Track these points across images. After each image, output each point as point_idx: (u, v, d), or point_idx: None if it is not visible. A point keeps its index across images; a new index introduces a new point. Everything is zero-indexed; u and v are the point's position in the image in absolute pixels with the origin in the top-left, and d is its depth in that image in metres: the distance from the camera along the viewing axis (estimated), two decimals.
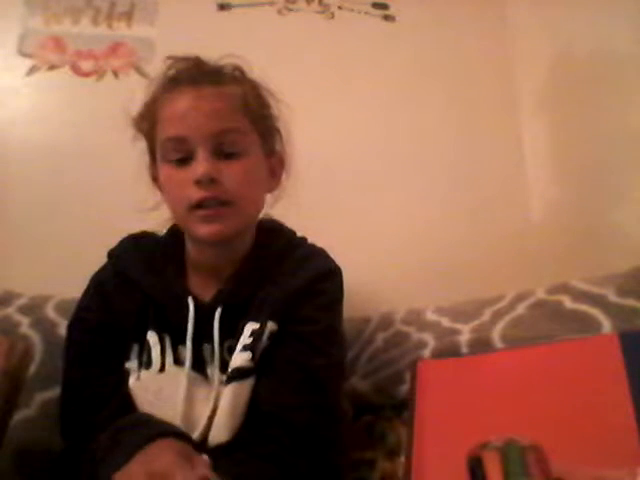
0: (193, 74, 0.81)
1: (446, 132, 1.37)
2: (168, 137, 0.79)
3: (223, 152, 0.78)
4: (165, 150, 0.80)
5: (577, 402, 0.61)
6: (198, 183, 0.76)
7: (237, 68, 0.85)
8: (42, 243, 1.20)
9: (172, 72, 0.83)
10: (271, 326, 0.78)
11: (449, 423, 0.64)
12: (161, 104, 0.81)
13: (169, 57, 0.84)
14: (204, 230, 0.78)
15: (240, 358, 0.76)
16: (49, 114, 1.29)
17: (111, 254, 0.88)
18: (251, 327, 0.78)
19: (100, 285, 0.85)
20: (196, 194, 0.77)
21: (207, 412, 0.74)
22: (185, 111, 0.78)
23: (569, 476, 0.50)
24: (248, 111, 0.81)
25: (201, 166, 0.76)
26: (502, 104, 1.41)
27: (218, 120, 0.78)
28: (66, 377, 0.82)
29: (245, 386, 0.75)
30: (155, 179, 0.86)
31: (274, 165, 0.87)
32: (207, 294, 0.82)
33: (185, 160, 0.78)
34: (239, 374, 0.75)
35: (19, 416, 0.85)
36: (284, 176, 0.89)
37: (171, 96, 0.80)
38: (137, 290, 0.82)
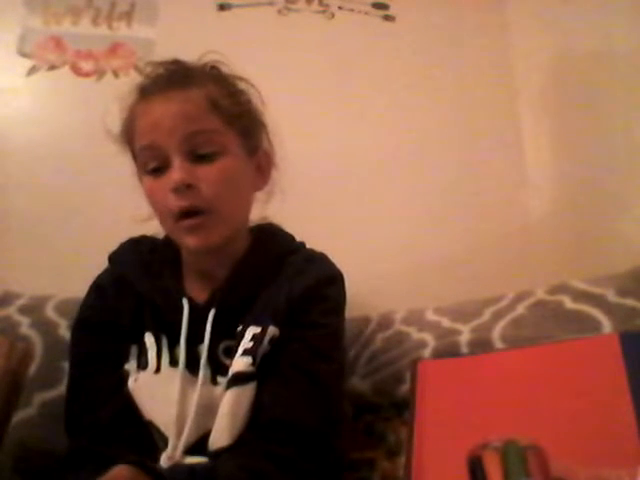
0: (162, 81, 0.81)
1: (446, 132, 1.37)
2: (142, 146, 0.79)
3: (198, 155, 0.77)
4: (142, 160, 0.80)
5: (577, 402, 0.61)
6: (175, 191, 0.76)
7: (213, 67, 0.85)
8: (42, 243, 1.20)
9: (144, 82, 0.83)
10: (272, 331, 0.78)
11: (449, 423, 0.64)
12: (135, 115, 0.81)
13: (149, 63, 0.85)
14: (191, 241, 0.78)
15: (241, 363, 0.76)
16: (49, 114, 1.29)
17: (111, 258, 0.89)
18: (252, 331, 0.78)
19: (100, 287, 0.86)
20: (175, 202, 0.76)
21: (192, 412, 0.75)
22: (155, 119, 0.78)
23: (569, 476, 0.50)
24: (220, 110, 0.79)
25: (175, 173, 0.76)
26: (502, 104, 1.41)
27: (187, 123, 0.77)
28: (70, 376, 0.83)
29: (246, 391, 0.75)
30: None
31: (260, 162, 0.86)
32: (202, 296, 0.82)
33: (162, 169, 0.78)
34: (240, 379, 0.75)
35: (19, 416, 0.85)
36: (273, 171, 0.88)
37: (143, 107, 0.80)
38: (134, 292, 0.83)
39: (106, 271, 0.88)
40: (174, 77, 0.81)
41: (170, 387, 0.77)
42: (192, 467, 0.69)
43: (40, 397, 0.91)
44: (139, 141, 0.80)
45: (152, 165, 0.79)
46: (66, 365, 0.89)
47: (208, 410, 0.75)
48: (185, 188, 0.76)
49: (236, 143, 0.81)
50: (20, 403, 0.82)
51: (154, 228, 0.86)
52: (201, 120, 0.78)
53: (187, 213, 0.76)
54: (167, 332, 0.80)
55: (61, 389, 0.90)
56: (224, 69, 0.85)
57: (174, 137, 0.76)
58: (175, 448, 0.74)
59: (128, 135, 0.83)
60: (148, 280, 0.83)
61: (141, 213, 0.84)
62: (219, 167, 0.78)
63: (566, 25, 1.27)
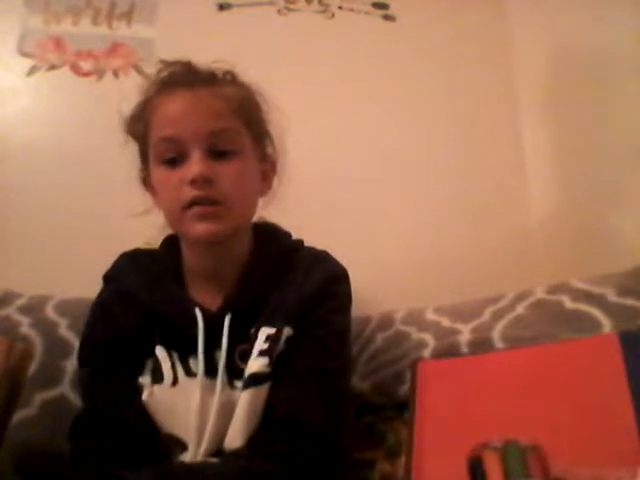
0: (187, 76, 0.81)
1: (446, 132, 1.37)
2: (162, 137, 0.79)
3: (217, 152, 0.78)
4: (159, 150, 0.80)
5: (577, 402, 0.61)
6: (193, 183, 0.76)
7: (228, 72, 0.85)
8: (42, 243, 1.20)
9: (166, 75, 0.83)
10: (287, 331, 0.78)
11: (449, 423, 0.64)
12: (155, 106, 0.80)
13: (161, 61, 0.84)
14: (199, 228, 0.77)
15: (257, 364, 0.75)
16: (49, 114, 1.29)
17: (108, 276, 0.87)
18: (266, 332, 0.77)
19: (104, 306, 0.84)
20: (190, 193, 0.76)
21: (212, 417, 0.74)
22: (181, 112, 0.78)
23: (569, 476, 0.50)
24: (243, 113, 0.81)
25: (196, 166, 0.76)
26: (502, 104, 1.41)
27: (214, 120, 0.78)
28: (82, 395, 0.83)
29: (262, 391, 0.75)
30: (145, 183, 0.86)
31: (266, 169, 0.87)
32: (211, 301, 0.81)
33: (177, 161, 0.78)
34: (256, 380, 0.75)
35: (19, 416, 0.84)
36: (275, 181, 0.89)
37: (166, 98, 0.80)
38: (140, 307, 0.82)
39: (106, 289, 0.86)
40: (201, 74, 0.82)
41: (189, 398, 0.76)
42: (178, 470, 0.69)
43: (40, 397, 0.91)
44: (159, 132, 0.79)
45: (168, 156, 0.78)
46: (66, 365, 0.90)
47: (227, 414, 0.75)
48: (204, 181, 0.76)
49: (250, 147, 0.82)
50: (20, 403, 0.82)
51: (150, 222, 0.86)
52: (226, 119, 0.79)
53: (200, 202, 0.76)
54: (179, 343, 0.79)
55: (61, 389, 0.90)
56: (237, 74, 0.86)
57: (198, 132, 0.77)
58: (195, 454, 0.74)
59: (142, 125, 0.82)
60: (153, 293, 0.82)
61: (137, 208, 0.84)
62: (237, 166, 0.79)
63: (566, 25, 1.27)
